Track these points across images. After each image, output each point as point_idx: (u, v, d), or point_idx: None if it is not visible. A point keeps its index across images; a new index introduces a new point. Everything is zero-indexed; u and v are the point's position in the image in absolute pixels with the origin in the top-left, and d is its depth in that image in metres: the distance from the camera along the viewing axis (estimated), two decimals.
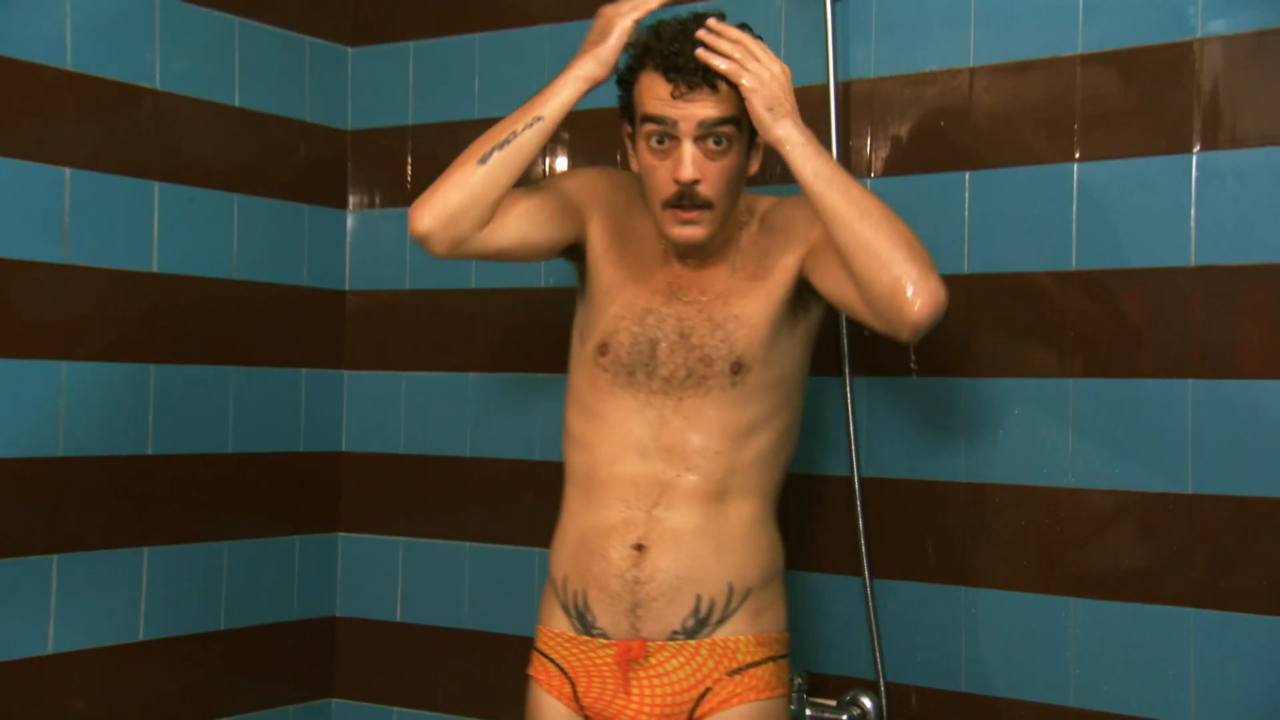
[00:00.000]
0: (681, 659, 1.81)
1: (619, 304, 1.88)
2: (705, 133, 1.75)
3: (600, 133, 2.36)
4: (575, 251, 1.96)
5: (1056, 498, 2.04)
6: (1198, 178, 1.94)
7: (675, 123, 1.74)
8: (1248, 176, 1.91)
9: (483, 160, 1.80)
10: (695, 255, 1.86)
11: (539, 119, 1.81)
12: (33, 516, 2.20)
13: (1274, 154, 1.89)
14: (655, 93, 1.76)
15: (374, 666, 2.68)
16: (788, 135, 1.72)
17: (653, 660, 1.82)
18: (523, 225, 1.85)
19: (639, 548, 1.81)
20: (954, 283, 2.08)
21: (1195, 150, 1.94)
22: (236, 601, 2.51)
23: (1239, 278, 1.92)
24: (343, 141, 2.74)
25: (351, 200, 2.75)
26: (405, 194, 2.69)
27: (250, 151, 2.56)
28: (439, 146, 2.62)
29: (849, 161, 2.20)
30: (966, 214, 2.08)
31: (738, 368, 1.82)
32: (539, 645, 1.92)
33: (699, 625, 1.81)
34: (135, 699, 2.34)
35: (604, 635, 1.83)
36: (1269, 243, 1.90)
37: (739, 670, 1.82)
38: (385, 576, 2.67)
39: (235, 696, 2.52)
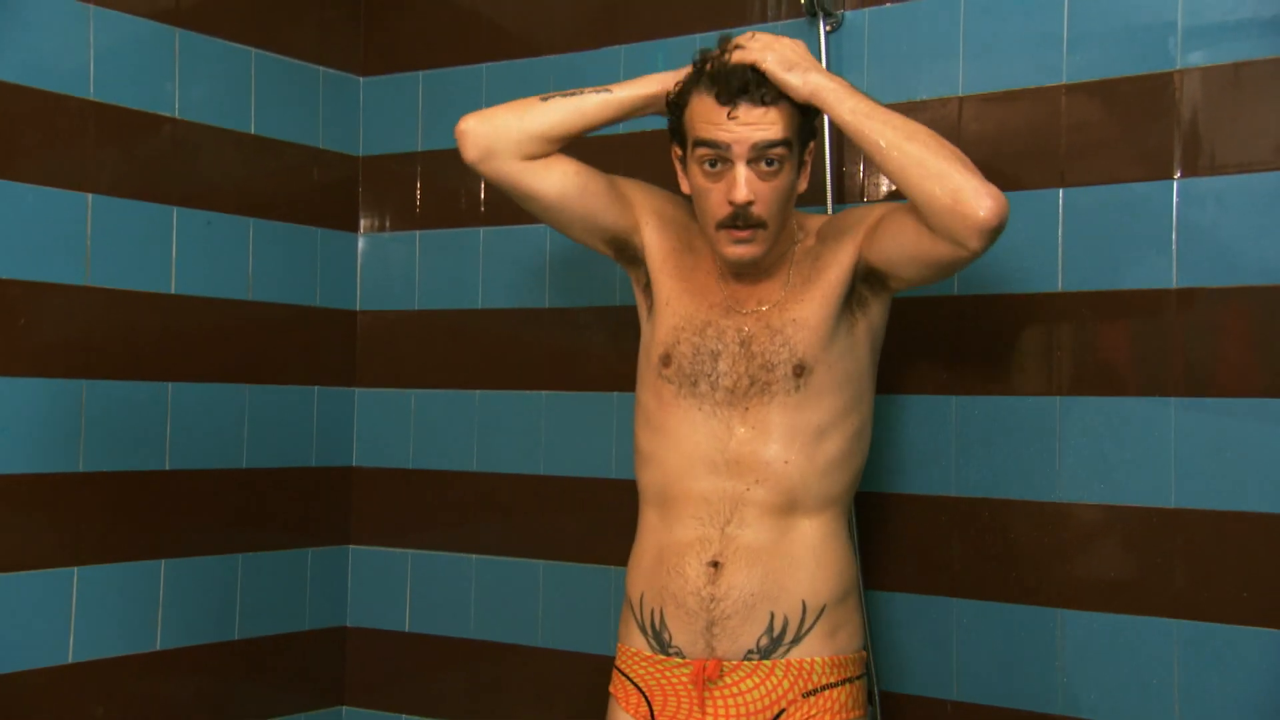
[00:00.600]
0: (756, 679, 1.80)
1: (679, 315, 1.88)
2: (758, 155, 1.74)
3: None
4: (632, 259, 1.97)
5: (1044, 512, 2.05)
6: (1179, 203, 1.96)
7: (729, 146, 1.74)
8: (1227, 202, 1.93)
9: (544, 99, 1.88)
10: (750, 273, 1.86)
11: (609, 91, 1.87)
12: (54, 530, 2.22)
13: (1252, 180, 1.91)
14: (708, 117, 1.76)
15: (383, 675, 2.68)
16: (817, 84, 1.74)
17: (728, 680, 1.80)
18: (566, 184, 1.89)
19: (715, 565, 1.80)
20: (945, 304, 2.13)
21: (1176, 177, 1.96)
22: (250, 612, 2.52)
23: (1219, 299, 1.93)
24: (354, 167, 2.76)
25: (362, 224, 2.76)
26: (414, 217, 2.70)
27: (265, 177, 2.58)
28: (447, 172, 2.64)
29: (842, 186, 2.22)
30: None
31: (800, 370, 1.80)
32: (618, 663, 1.91)
33: (774, 644, 1.80)
34: (152, 707, 2.35)
35: (680, 654, 1.82)
36: (1247, 266, 1.91)
37: (814, 692, 1.80)
38: (395, 588, 2.67)
39: (249, 704, 2.53)
